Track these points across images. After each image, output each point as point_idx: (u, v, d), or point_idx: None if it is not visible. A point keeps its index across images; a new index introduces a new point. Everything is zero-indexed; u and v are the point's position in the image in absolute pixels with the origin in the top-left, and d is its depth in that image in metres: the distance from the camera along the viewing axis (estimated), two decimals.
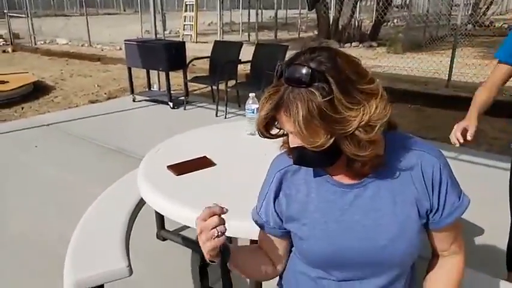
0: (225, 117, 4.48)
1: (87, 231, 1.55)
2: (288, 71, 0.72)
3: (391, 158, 0.83)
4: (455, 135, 1.45)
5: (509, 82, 1.57)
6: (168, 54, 4.72)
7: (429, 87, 5.51)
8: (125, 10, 25.72)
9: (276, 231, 0.95)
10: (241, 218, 1.19)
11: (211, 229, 0.79)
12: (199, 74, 5.25)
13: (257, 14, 10.80)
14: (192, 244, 2.19)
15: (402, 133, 0.87)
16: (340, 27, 10.22)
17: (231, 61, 4.67)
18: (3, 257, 2.15)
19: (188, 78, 4.92)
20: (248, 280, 1.68)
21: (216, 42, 5.15)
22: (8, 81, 5.52)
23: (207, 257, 0.83)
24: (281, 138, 0.88)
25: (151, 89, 5.58)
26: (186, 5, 11.36)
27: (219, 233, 0.79)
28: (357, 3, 10.73)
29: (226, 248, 0.86)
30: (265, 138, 0.85)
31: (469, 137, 1.44)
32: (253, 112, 1.91)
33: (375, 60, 7.68)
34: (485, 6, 13.08)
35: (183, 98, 4.99)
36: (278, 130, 0.84)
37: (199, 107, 5.05)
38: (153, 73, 5.55)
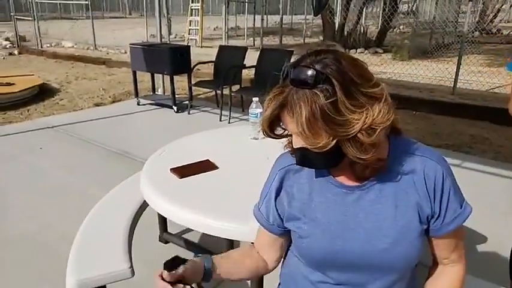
0: (229, 122, 4.48)
1: (90, 232, 1.55)
2: (293, 73, 0.73)
3: (394, 162, 0.84)
4: None
5: None
6: (172, 58, 4.74)
7: (435, 95, 5.48)
8: (130, 14, 25.93)
9: (274, 228, 0.96)
10: (243, 221, 1.19)
11: None
12: (204, 79, 5.27)
13: (262, 19, 10.84)
14: (195, 247, 2.19)
15: (406, 138, 0.87)
16: (345, 33, 10.24)
17: (236, 66, 4.68)
18: (5, 257, 2.15)
19: (193, 82, 4.93)
20: (249, 282, 1.66)
21: (220, 46, 5.17)
22: (14, 83, 5.57)
23: None
24: (285, 139, 0.88)
25: (156, 92, 5.60)
26: (192, 10, 11.43)
27: None
28: (362, 10, 10.75)
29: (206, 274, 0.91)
30: (270, 138, 0.85)
31: None
32: (256, 116, 1.91)
33: (380, 66, 7.67)
34: (493, 14, 13.05)
35: (187, 102, 5.01)
36: (282, 131, 0.84)
37: (203, 111, 5.06)
38: (158, 77, 5.58)
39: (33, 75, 6.69)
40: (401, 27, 13.57)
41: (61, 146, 3.81)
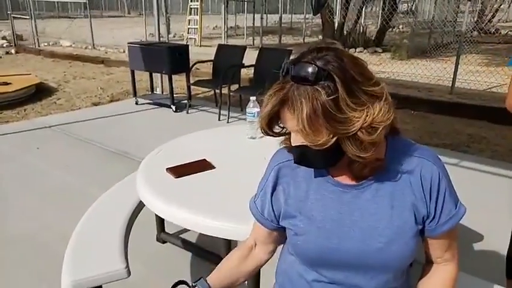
0: (228, 122, 4.48)
1: (86, 232, 1.55)
2: (294, 69, 0.72)
3: (391, 162, 0.84)
4: None
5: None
6: (171, 58, 4.73)
7: (433, 94, 5.49)
8: (129, 13, 25.88)
9: (268, 223, 0.96)
10: (240, 221, 1.18)
11: None
12: (203, 78, 5.26)
13: (262, 18, 10.83)
14: (192, 247, 2.18)
15: (404, 138, 0.88)
16: (345, 32, 10.23)
17: (234, 65, 4.67)
18: (4, 257, 2.14)
19: (191, 81, 4.92)
20: (246, 282, 1.66)
21: (219, 46, 5.16)
22: (10, 83, 5.54)
23: None
24: (282, 137, 0.88)
25: (154, 92, 5.59)
26: (191, 9, 11.42)
27: None
28: (362, 9, 10.75)
29: None
30: (267, 136, 0.85)
31: None
32: (254, 116, 1.91)
33: (379, 66, 7.67)
34: (491, 14, 13.06)
35: (185, 101, 5.00)
36: (280, 129, 0.84)
37: (201, 110, 5.05)
38: (156, 76, 5.57)
39: (30, 74, 6.67)
40: (400, 26, 13.57)
41: (58, 145, 3.80)
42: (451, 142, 3.97)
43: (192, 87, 4.98)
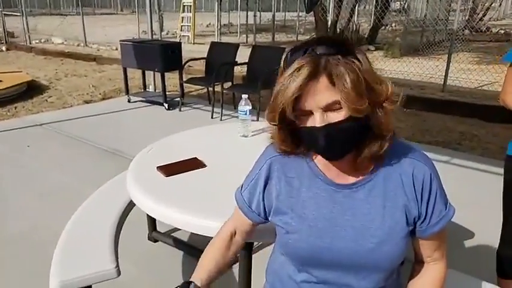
0: (221, 119, 4.46)
1: (76, 232, 1.53)
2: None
3: (384, 163, 0.85)
4: None
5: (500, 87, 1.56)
6: (163, 55, 4.70)
7: (426, 92, 5.52)
8: (122, 10, 25.67)
9: (255, 216, 0.96)
10: None
11: None
12: (196, 75, 5.23)
13: (255, 16, 10.81)
14: (184, 246, 2.17)
15: (396, 139, 0.87)
16: (338, 30, 10.24)
17: (227, 63, 4.66)
18: None
19: (184, 79, 4.90)
20: (237, 277, 1.66)
21: (212, 43, 5.14)
22: (1, 80, 5.47)
23: None
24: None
25: (147, 89, 5.56)
26: (184, 6, 11.35)
27: None
28: (355, 7, 10.77)
29: None
30: (276, 126, 0.82)
31: None
32: (245, 114, 1.90)
33: (372, 63, 7.69)
34: (482, 12, 13.16)
35: (178, 99, 4.97)
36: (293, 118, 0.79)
37: (194, 108, 5.03)
38: (149, 74, 5.53)
39: (21, 71, 6.59)
40: (393, 24, 13.62)
41: (49, 144, 3.76)
42: (443, 140, 3.99)
43: (185, 84, 4.96)
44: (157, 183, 1.43)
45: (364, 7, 14.03)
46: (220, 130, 2.24)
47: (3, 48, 10.32)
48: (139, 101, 5.21)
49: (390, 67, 6.93)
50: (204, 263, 0.97)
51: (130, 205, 1.68)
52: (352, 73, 0.72)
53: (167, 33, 12.39)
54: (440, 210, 0.85)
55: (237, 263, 1.48)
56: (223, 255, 0.99)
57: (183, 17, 11.47)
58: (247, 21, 11.56)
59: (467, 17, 11.15)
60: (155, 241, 2.25)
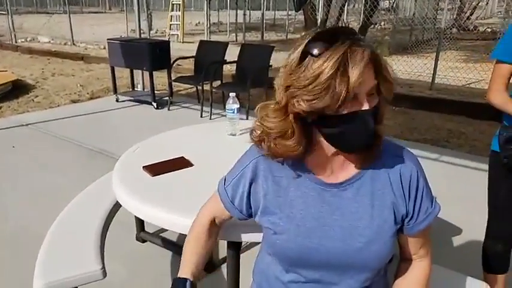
0: (210, 118, 4.44)
1: (61, 233, 1.50)
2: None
3: (371, 161, 0.84)
4: None
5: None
6: (151, 54, 4.65)
7: (414, 90, 5.56)
8: (110, 9, 25.37)
9: (236, 212, 0.95)
10: None
11: None
12: (185, 74, 5.20)
13: (244, 15, 10.77)
14: (173, 246, 2.15)
15: (384, 138, 0.87)
16: None
17: (216, 61, 4.63)
18: None
19: (173, 78, 4.86)
20: (225, 277, 1.65)
21: (201, 42, 5.10)
22: None
23: None
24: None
25: (136, 89, 5.50)
26: (173, 5, 11.27)
27: None
28: (344, 6, 10.80)
29: None
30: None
31: None
32: (233, 112, 1.89)
33: None
34: (470, 11, 13.33)
35: (167, 98, 4.93)
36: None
37: (183, 107, 4.99)
38: (137, 73, 5.48)
39: (6, 71, 6.46)
40: (382, 23, 13.71)
41: (35, 144, 3.69)
42: (431, 137, 4.03)
43: (174, 83, 4.92)
44: (143, 183, 1.41)
45: (354, 6, 14.10)
46: (208, 129, 2.22)
47: None
48: (127, 100, 5.16)
49: None
50: (189, 258, 0.96)
51: (117, 205, 1.66)
52: (384, 61, 0.76)
53: (156, 32, 12.28)
54: (427, 207, 0.86)
55: (225, 263, 1.47)
56: (205, 246, 0.99)
57: (172, 16, 11.39)
58: (236, 19, 11.52)
59: (454, 16, 11.29)
60: (143, 241, 2.22)
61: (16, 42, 10.53)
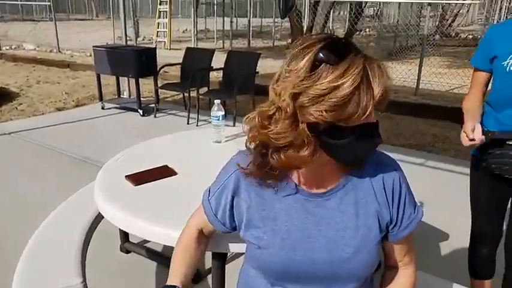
0: (197, 125, 4.42)
1: (41, 244, 1.47)
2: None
3: (354, 170, 0.84)
4: (469, 135, 1.45)
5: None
6: (137, 61, 4.62)
7: (399, 95, 5.63)
8: (97, 16, 25.15)
9: (219, 225, 0.93)
10: None
11: None
12: (171, 81, 5.17)
13: (231, 22, 10.81)
14: (158, 257, 2.12)
15: None
16: None
17: (203, 68, 4.63)
18: None
19: (160, 85, 4.83)
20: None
21: (187, 49, 5.10)
22: None
23: None
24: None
25: (122, 96, 5.45)
26: (160, 12, 11.24)
27: None
28: (329, 13, 10.93)
29: None
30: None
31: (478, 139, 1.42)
32: (218, 119, 1.88)
33: None
34: (451, 18, 13.62)
35: (153, 105, 4.90)
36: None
37: (170, 114, 4.96)
38: (124, 80, 5.43)
39: None
40: (367, 30, 13.91)
41: (18, 153, 3.62)
42: (416, 142, 4.07)
43: (160, 90, 4.89)
44: (126, 193, 1.38)
45: (339, 13, 14.28)
46: (193, 136, 2.20)
47: None
48: (113, 107, 5.10)
49: None
50: (178, 268, 0.93)
51: (100, 216, 1.62)
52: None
53: (143, 39, 12.23)
54: (410, 213, 0.86)
55: (211, 274, 1.44)
56: (194, 255, 0.96)
57: (159, 23, 11.36)
58: (223, 27, 11.54)
59: (437, 23, 11.51)
60: (127, 252, 2.18)
61: (0, 49, 10.36)
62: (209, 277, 1.94)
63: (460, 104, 1.62)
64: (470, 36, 12.65)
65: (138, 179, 1.44)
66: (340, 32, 12.05)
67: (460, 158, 3.58)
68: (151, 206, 1.32)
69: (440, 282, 1.29)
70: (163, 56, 6.63)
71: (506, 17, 9.86)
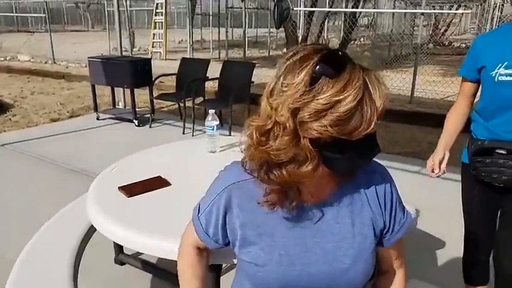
0: (193, 135, 4.41)
1: (33, 256, 1.44)
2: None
3: (347, 180, 0.83)
4: (434, 168, 1.61)
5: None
6: (133, 71, 4.63)
7: (394, 104, 5.66)
8: (93, 27, 25.26)
9: (211, 242, 0.90)
10: None
11: None
12: (167, 91, 5.17)
13: (227, 32, 10.89)
14: (153, 269, 2.09)
15: None
16: None
17: (198, 78, 4.63)
18: None
19: (156, 95, 4.83)
20: None
21: (183, 59, 5.11)
22: None
23: None
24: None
25: (117, 106, 5.44)
26: (156, 23, 11.31)
27: None
28: (324, 23, 11.03)
29: None
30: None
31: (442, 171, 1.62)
32: (213, 129, 1.87)
33: None
34: (444, 27, 13.82)
35: (149, 115, 4.89)
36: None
37: (166, 124, 4.95)
38: (119, 90, 5.43)
39: None
40: (361, 39, 14.05)
41: (11, 165, 3.58)
42: (412, 150, 4.08)
43: (156, 101, 4.88)
44: (119, 205, 1.36)
45: (334, 23, 14.44)
46: (187, 146, 2.19)
47: None
48: (108, 118, 5.08)
49: None
50: (188, 284, 0.93)
51: (92, 228, 1.60)
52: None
53: (139, 50, 12.27)
54: (401, 218, 0.88)
55: None
56: (201, 268, 0.96)
57: (154, 34, 11.41)
58: (219, 37, 11.62)
59: (430, 32, 11.66)
60: (122, 264, 2.15)
61: None
62: None
63: None
64: (463, 45, 12.82)
65: (132, 190, 1.42)
66: (335, 42, 12.18)
67: (456, 166, 3.59)
68: (144, 218, 1.30)
69: None
70: (159, 67, 6.65)
71: (498, 26, 10.01)
